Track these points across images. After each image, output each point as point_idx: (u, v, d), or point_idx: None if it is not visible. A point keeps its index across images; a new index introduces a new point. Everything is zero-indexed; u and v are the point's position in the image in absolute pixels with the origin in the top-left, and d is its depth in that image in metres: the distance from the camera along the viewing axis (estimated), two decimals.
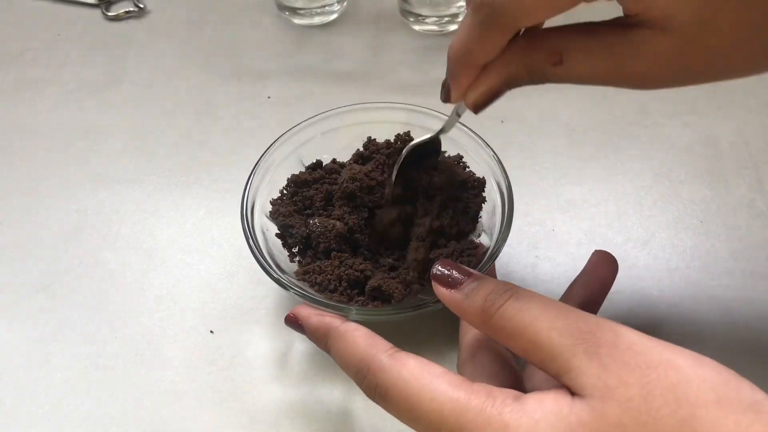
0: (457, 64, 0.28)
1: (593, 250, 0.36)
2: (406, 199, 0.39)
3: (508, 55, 0.27)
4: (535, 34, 0.26)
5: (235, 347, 0.39)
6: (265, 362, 0.38)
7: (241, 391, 0.37)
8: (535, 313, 0.24)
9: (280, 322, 0.40)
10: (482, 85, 0.28)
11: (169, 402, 0.37)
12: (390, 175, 0.38)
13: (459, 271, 0.28)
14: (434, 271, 0.29)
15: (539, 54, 0.27)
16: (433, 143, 0.38)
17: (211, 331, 0.40)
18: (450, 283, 0.28)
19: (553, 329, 0.23)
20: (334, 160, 0.42)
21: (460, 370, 0.32)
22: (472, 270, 0.28)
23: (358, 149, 0.42)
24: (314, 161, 0.42)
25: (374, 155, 0.41)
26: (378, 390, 0.26)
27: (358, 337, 0.28)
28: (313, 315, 0.31)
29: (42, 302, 0.41)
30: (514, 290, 0.26)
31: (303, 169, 0.42)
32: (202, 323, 0.40)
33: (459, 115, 0.34)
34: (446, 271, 0.28)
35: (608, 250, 0.35)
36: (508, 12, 0.24)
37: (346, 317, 0.31)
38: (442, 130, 0.36)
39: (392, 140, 0.41)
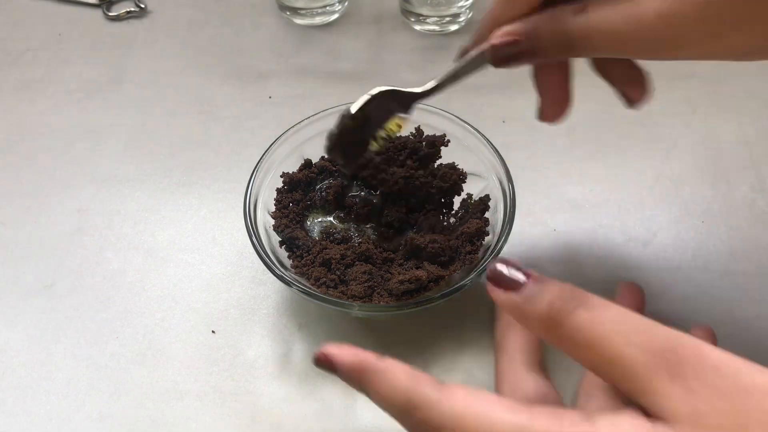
0: (482, 23, 0.28)
1: (619, 283, 0.39)
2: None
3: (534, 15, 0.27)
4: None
5: (236, 347, 0.39)
6: (267, 362, 0.38)
7: (242, 391, 0.37)
8: (610, 326, 0.22)
9: (282, 322, 0.40)
10: (507, 26, 0.27)
11: (171, 402, 0.37)
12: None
13: (517, 270, 0.25)
14: (490, 270, 0.25)
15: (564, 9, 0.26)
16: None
17: (213, 331, 0.40)
18: (507, 285, 0.25)
19: (630, 345, 0.21)
20: (322, 157, 0.42)
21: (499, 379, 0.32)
22: (531, 270, 0.25)
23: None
24: (304, 160, 0.42)
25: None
26: (428, 427, 0.23)
27: (398, 372, 0.25)
28: (345, 353, 0.27)
29: (43, 302, 0.41)
30: (583, 297, 0.23)
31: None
32: (204, 323, 0.40)
33: (458, 74, 0.31)
34: (504, 270, 0.25)
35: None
36: None
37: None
38: (439, 86, 0.32)
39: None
